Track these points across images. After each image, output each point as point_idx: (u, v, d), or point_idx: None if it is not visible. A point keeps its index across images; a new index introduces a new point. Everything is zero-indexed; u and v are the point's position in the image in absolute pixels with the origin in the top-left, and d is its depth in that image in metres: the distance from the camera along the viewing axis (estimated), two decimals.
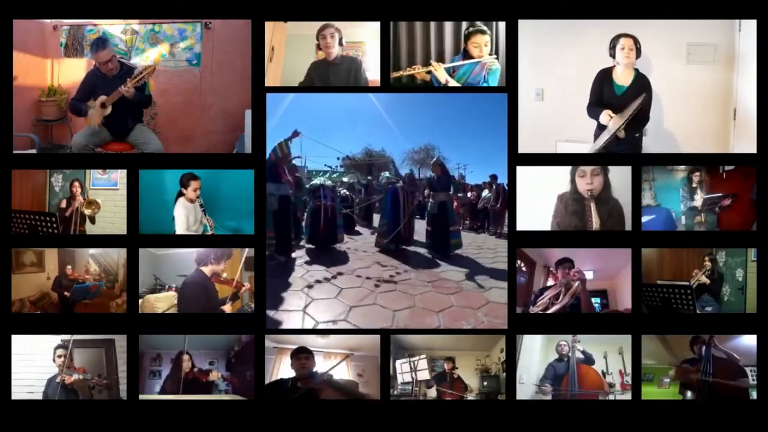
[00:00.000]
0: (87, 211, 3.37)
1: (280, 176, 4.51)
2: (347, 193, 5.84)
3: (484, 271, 4.49)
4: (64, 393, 3.05)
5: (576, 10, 3.19)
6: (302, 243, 5.20)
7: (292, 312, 3.52)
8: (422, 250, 5.31)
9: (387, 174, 5.51)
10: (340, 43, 3.44)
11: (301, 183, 5.12)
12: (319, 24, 3.41)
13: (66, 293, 3.26)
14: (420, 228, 5.50)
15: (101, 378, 3.10)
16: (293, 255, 4.81)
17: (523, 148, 3.21)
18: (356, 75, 3.44)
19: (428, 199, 5.30)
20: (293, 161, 4.72)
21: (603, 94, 3.31)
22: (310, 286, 4.11)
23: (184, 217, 3.34)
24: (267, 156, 3.29)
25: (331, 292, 4.02)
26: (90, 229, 3.41)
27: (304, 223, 5.32)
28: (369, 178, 5.80)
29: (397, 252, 5.29)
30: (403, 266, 4.82)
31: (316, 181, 5.44)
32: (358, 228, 6.19)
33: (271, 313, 3.29)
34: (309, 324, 3.37)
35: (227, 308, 3.17)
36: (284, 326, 3.31)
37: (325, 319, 3.46)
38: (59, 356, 3.08)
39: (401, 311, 3.64)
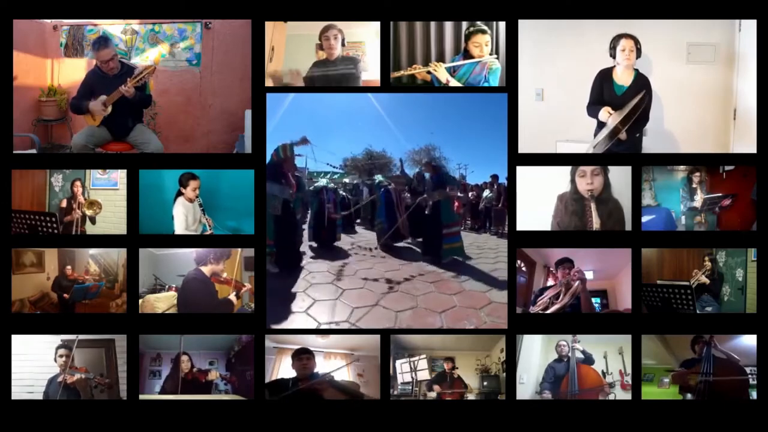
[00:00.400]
0: (89, 212, 3.37)
1: (281, 178, 4.47)
2: (344, 194, 5.91)
3: (481, 277, 4.45)
4: (66, 393, 3.05)
5: (576, 10, 3.19)
6: (302, 249, 5.19)
7: (294, 314, 3.52)
8: (420, 249, 5.32)
9: (380, 176, 5.57)
10: (343, 44, 3.44)
11: (301, 184, 5.12)
12: (320, 24, 3.41)
13: (65, 295, 3.26)
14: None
15: (103, 377, 3.10)
16: (299, 264, 4.77)
17: (523, 148, 3.21)
18: (352, 78, 3.43)
19: (428, 200, 5.30)
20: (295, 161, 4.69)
21: (603, 94, 3.31)
22: (339, 278, 4.21)
23: (183, 216, 3.34)
24: (269, 156, 3.27)
25: (333, 293, 4.02)
26: (90, 229, 3.41)
27: (307, 224, 5.36)
28: (373, 179, 5.82)
29: (393, 249, 5.33)
30: (401, 264, 4.88)
31: (319, 183, 5.48)
32: (355, 227, 6.25)
33: (273, 316, 3.29)
34: (312, 326, 3.37)
35: (233, 298, 3.18)
36: (287, 327, 3.31)
37: (328, 320, 3.46)
38: (61, 356, 3.08)
39: (404, 312, 3.64)
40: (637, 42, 3.22)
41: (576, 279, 3.09)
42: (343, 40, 3.43)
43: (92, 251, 3.31)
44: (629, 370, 3.11)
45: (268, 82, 3.27)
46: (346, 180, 6.06)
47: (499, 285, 3.86)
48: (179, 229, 3.32)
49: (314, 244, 5.36)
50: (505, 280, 3.27)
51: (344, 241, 5.61)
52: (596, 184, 3.11)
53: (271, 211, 4.16)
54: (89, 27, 4.10)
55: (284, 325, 3.32)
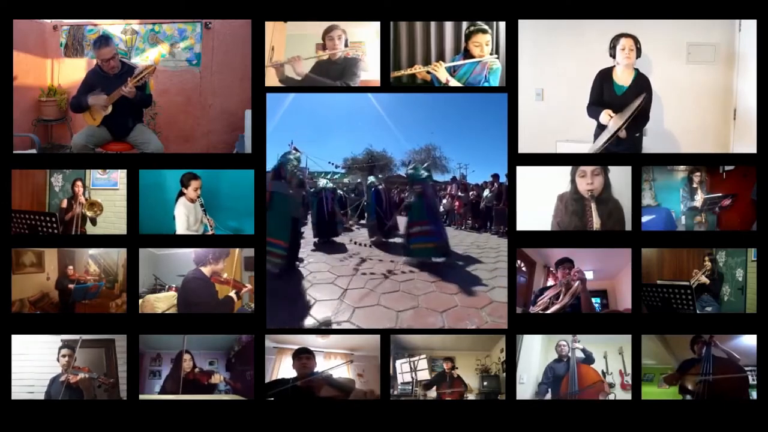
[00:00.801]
0: (89, 213, 3.37)
1: (293, 182, 4.59)
2: (341, 193, 6.12)
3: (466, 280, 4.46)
4: (69, 392, 3.05)
5: (576, 10, 3.19)
6: (305, 247, 5.30)
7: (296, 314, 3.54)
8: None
9: (372, 178, 5.78)
10: (346, 44, 3.44)
11: (302, 184, 5.22)
12: (320, 24, 3.41)
13: (70, 286, 3.26)
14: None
15: (107, 377, 3.10)
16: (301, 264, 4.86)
17: (523, 148, 3.21)
18: (348, 73, 3.43)
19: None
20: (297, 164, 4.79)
21: (603, 94, 3.31)
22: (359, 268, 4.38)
23: (185, 217, 3.34)
24: (278, 161, 3.38)
25: (334, 293, 4.03)
26: (90, 229, 3.41)
27: (309, 222, 5.54)
28: (371, 179, 5.95)
29: (384, 245, 5.55)
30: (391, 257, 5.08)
31: (320, 183, 5.64)
32: (352, 225, 6.43)
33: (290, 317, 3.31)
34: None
35: (233, 296, 3.18)
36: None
37: (329, 320, 3.47)
38: (64, 356, 3.08)
39: (405, 312, 3.64)
40: (637, 41, 3.22)
41: (576, 279, 3.09)
42: (346, 40, 3.43)
43: (92, 251, 3.31)
44: (629, 370, 3.11)
45: (270, 75, 3.26)
46: (346, 180, 6.18)
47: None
48: (181, 229, 3.32)
49: (316, 240, 5.55)
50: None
51: (342, 238, 5.85)
52: (596, 184, 3.11)
53: (291, 213, 4.40)
54: (89, 27, 4.11)
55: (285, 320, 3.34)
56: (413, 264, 4.82)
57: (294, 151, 4.56)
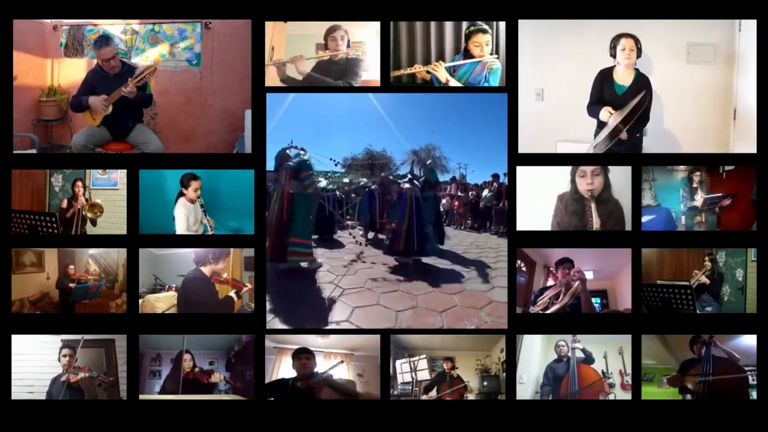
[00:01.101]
0: (89, 215, 3.36)
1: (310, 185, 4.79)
2: (338, 193, 6.24)
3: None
4: (69, 392, 3.05)
5: (576, 10, 3.19)
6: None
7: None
8: None
9: (366, 179, 5.95)
10: (348, 45, 3.44)
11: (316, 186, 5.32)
12: (320, 24, 3.41)
13: (71, 285, 3.26)
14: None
15: (107, 375, 3.10)
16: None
17: (523, 148, 3.21)
18: (350, 72, 3.43)
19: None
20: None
21: (604, 93, 3.31)
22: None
23: (185, 217, 3.34)
24: (295, 164, 3.87)
25: (334, 293, 4.04)
26: (90, 229, 3.40)
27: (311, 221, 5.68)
28: (364, 180, 6.06)
29: (377, 241, 5.77)
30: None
31: (321, 183, 5.72)
32: (349, 224, 6.55)
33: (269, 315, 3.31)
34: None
35: (233, 296, 3.18)
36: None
37: (329, 319, 3.48)
38: (65, 356, 3.08)
39: (404, 312, 3.64)
40: (637, 41, 3.22)
41: (576, 279, 3.09)
42: (348, 41, 3.43)
43: (92, 251, 3.31)
44: (629, 370, 3.11)
45: (270, 74, 3.26)
46: (346, 180, 6.26)
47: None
48: (180, 230, 3.33)
49: (315, 237, 5.64)
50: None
51: (339, 236, 6.14)
52: (596, 184, 3.11)
53: (311, 213, 4.71)
54: (89, 27, 4.11)
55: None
56: (407, 263, 4.87)
57: (302, 152, 4.62)
